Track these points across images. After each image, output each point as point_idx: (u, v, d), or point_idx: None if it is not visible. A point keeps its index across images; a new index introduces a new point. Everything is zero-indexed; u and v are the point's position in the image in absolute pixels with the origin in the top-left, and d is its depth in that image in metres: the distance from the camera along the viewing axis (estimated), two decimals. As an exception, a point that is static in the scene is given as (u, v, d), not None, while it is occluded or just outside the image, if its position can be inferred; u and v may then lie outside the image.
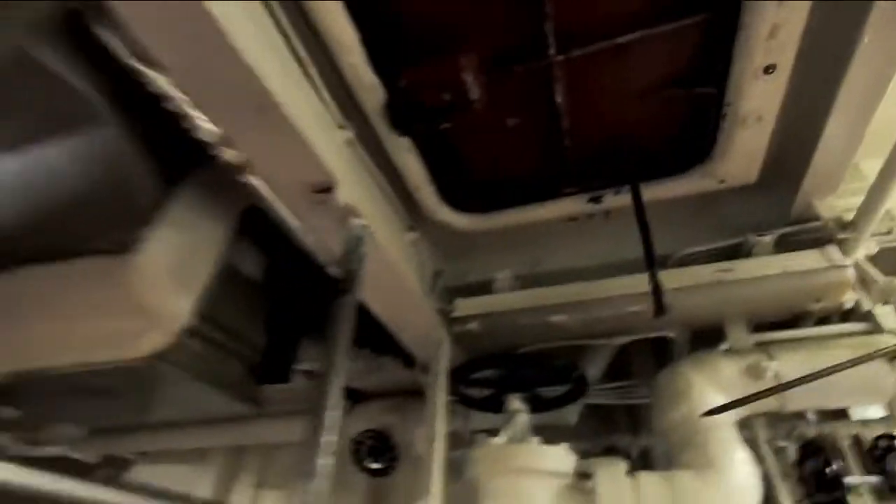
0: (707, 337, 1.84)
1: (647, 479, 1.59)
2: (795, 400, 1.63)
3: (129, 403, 1.69)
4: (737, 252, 1.73)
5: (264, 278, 1.70)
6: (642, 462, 2.25)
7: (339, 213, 1.21)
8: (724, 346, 1.72)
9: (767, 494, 1.62)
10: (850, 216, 1.63)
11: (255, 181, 1.00)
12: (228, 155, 0.91)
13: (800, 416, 1.88)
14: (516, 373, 1.82)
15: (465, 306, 1.82)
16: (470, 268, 1.96)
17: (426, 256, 1.84)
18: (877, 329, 1.64)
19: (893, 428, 1.75)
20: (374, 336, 1.78)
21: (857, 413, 1.92)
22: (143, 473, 2.88)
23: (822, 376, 1.28)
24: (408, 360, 2.02)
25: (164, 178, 1.17)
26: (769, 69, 1.30)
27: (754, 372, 1.61)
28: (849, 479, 1.69)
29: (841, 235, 1.62)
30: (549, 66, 1.34)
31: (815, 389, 1.37)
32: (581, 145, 1.60)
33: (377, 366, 2.11)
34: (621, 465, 1.57)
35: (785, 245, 1.69)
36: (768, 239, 1.69)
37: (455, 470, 1.74)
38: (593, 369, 2.04)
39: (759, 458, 1.65)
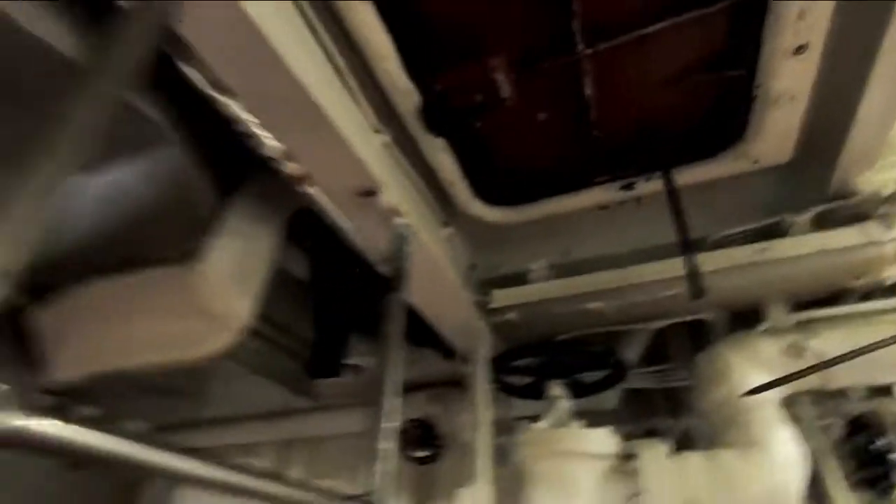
0: (745, 318, 1.85)
1: (690, 458, 1.63)
2: (839, 377, 1.64)
3: (191, 400, 1.80)
4: (773, 232, 1.73)
5: (310, 278, 1.79)
6: (683, 444, 2.27)
7: (384, 214, 1.28)
8: (763, 326, 1.73)
9: (815, 471, 1.63)
10: (888, 190, 1.61)
11: (310, 190, 1.07)
12: (290, 168, 0.98)
13: (844, 393, 1.88)
14: (555, 360, 1.87)
15: (503, 297, 1.87)
16: (502, 260, 2.01)
17: (460, 250, 1.90)
18: (920, 304, 1.62)
19: (940, 402, 1.73)
20: (412, 329, 1.86)
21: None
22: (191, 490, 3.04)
23: (864, 353, 1.29)
24: (447, 351, 2.09)
25: (221, 190, 1.25)
26: (800, 49, 1.30)
27: (795, 351, 1.62)
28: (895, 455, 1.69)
29: (880, 210, 1.61)
30: (578, 60, 1.37)
31: (858, 366, 1.38)
32: (611, 135, 1.63)
33: (417, 358, 2.18)
34: (664, 446, 1.61)
35: (822, 223, 1.69)
36: (805, 217, 1.68)
37: (498, 456, 1.80)
38: (631, 354, 2.07)
39: (806, 436, 1.66)
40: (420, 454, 2.30)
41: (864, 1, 1.21)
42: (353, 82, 1.24)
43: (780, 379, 1.45)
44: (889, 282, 1.67)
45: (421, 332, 1.88)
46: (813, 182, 1.71)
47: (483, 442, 1.74)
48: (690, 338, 2.18)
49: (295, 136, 0.92)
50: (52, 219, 1.33)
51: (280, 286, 1.55)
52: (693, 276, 1.42)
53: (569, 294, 1.80)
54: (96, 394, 1.63)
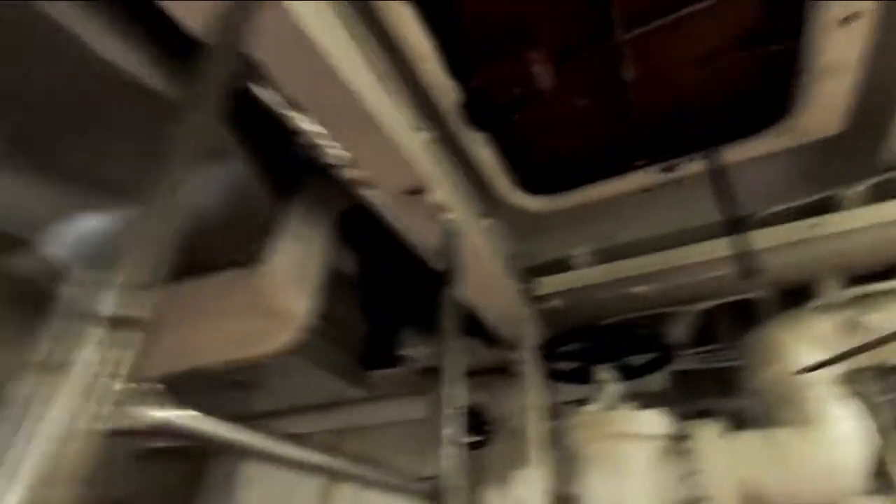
0: (794, 295, 1.82)
1: (743, 438, 1.63)
2: (898, 352, 1.60)
3: (258, 393, 1.91)
4: (825, 206, 1.69)
5: (359, 274, 1.86)
6: (733, 424, 2.26)
7: (432, 210, 1.33)
8: (815, 303, 1.70)
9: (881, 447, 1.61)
10: (945, 158, 1.56)
11: (368, 192, 1.13)
12: (352, 174, 1.04)
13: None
14: (602, 344, 1.89)
15: (548, 284, 1.90)
16: (542, 248, 2.03)
17: (501, 241, 1.93)
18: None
19: None
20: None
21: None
22: (256, 465, 3.20)
23: (926, 326, 1.27)
24: (490, 339, 2.13)
25: (278, 196, 1.32)
26: (849, 19, 1.27)
27: (849, 326, 1.60)
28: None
29: (937, 179, 1.55)
30: (616, 46, 1.38)
31: (919, 340, 1.35)
32: (651, 118, 1.62)
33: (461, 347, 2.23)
34: (717, 426, 1.62)
35: (876, 195, 1.64)
36: (858, 190, 1.64)
37: (546, 440, 1.84)
38: (677, 335, 2.07)
39: (870, 412, 1.63)
40: (469, 440, 2.36)
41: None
42: (395, 84, 1.28)
43: (836, 356, 1.43)
44: (950, 252, 1.61)
45: (464, 321, 1.93)
46: (863, 154, 1.66)
47: (534, 427, 1.78)
48: (738, 317, 2.16)
49: (353, 143, 0.98)
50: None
51: (332, 283, 1.62)
52: (744, 256, 1.41)
53: (613, 279, 1.81)
54: (179, 391, 1.75)
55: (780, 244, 1.63)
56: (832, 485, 1.53)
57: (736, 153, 1.64)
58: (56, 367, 0.40)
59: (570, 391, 2.07)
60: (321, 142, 0.93)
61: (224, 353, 1.43)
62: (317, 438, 3.07)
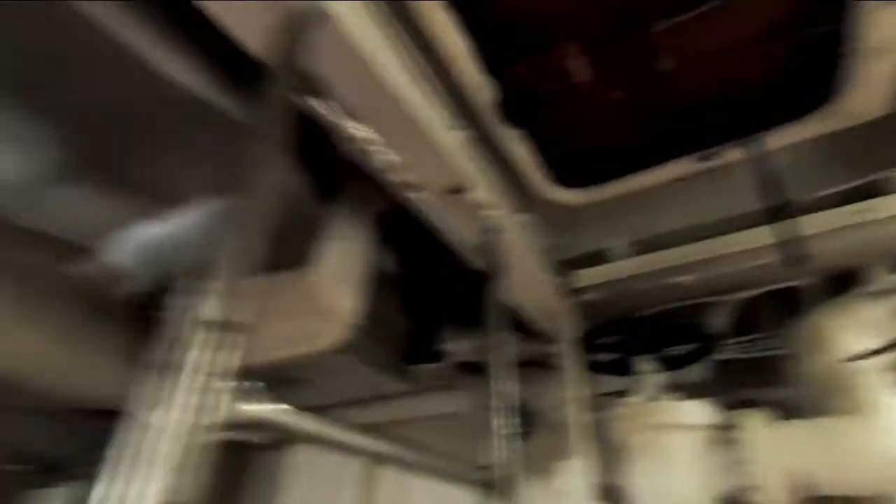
0: (840, 281, 1.78)
1: (791, 427, 1.61)
2: (955, 338, 1.55)
3: (307, 389, 1.99)
4: (871, 191, 1.65)
5: (400, 273, 1.91)
6: (778, 413, 2.22)
7: (472, 208, 1.35)
8: (864, 289, 1.66)
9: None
10: None
11: (414, 194, 1.17)
12: (401, 177, 1.07)
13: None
14: (642, 335, 1.89)
15: (586, 276, 1.90)
16: (577, 240, 2.03)
17: (536, 235, 1.95)
18: None
19: None
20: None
21: None
22: (300, 452, 3.31)
23: None
24: (527, 333, 2.15)
25: (323, 199, 1.37)
26: (896, -3, 1.23)
27: (901, 313, 1.56)
28: None
29: None
30: (651, 37, 1.37)
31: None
32: (688, 107, 1.61)
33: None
34: (763, 415, 1.61)
35: (928, 177, 1.59)
36: (906, 173, 1.60)
37: (588, 432, 1.86)
38: (719, 325, 2.05)
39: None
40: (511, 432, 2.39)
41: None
42: (431, 84, 1.31)
43: (889, 344, 1.41)
44: None
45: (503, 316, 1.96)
46: (913, 134, 1.61)
47: (575, 419, 1.80)
48: (780, 305, 2.12)
49: (400, 147, 1.01)
50: (186, 235, 1.50)
51: (374, 283, 1.67)
52: (790, 244, 1.39)
53: (652, 270, 1.80)
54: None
55: (825, 230, 1.60)
56: (885, 473, 1.50)
57: (777, 139, 1.61)
58: (172, 369, 0.45)
59: (610, 383, 2.08)
60: (373, 148, 0.97)
61: (276, 351, 1.49)
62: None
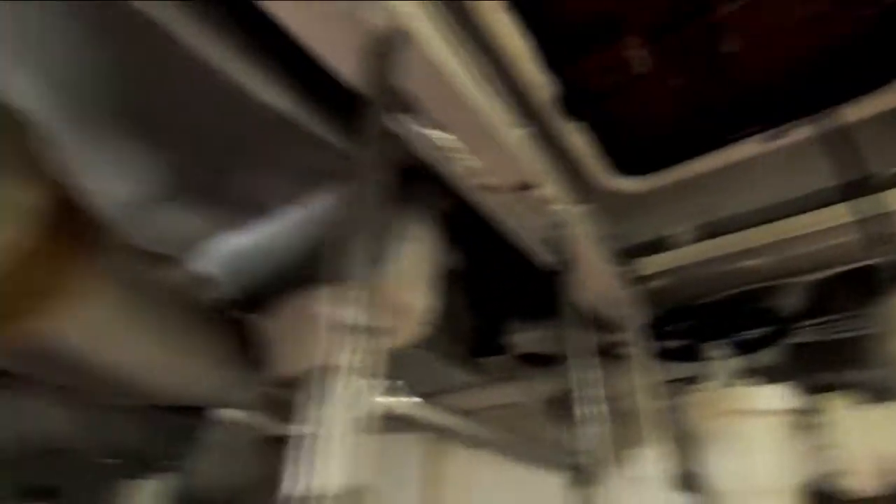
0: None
1: (878, 411, 1.56)
2: None
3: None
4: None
5: (465, 269, 1.96)
6: (861, 396, 2.14)
7: (540, 204, 1.38)
8: (955, 265, 1.58)
9: None
10: None
11: (489, 196, 1.21)
12: (481, 180, 1.12)
13: None
14: (712, 321, 1.86)
15: (652, 264, 1.89)
16: (641, 228, 2.02)
17: (600, 225, 1.95)
18: None
19: None
20: (552, 303, 1.96)
21: None
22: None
23: None
24: (591, 323, 2.16)
25: (395, 203, 1.44)
26: None
27: None
28: None
29: None
30: (716, 19, 1.35)
31: None
32: (753, 87, 1.57)
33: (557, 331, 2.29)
34: (848, 399, 1.56)
35: None
36: None
37: (659, 420, 1.86)
38: (791, 308, 1.99)
39: None
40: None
41: None
42: (496, 85, 1.34)
43: None
44: None
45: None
46: None
47: (646, 407, 1.80)
48: (857, 285, 2.04)
49: (478, 151, 1.06)
50: (268, 243, 1.61)
51: (443, 280, 1.73)
52: (871, 222, 1.35)
53: (722, 254, 1.78)
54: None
55: (910, 206, 1.53)
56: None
57: (854, 112, 1.55)
58: (331, 371, 0.51)
59: (679, 369, 2.06)
60: (457, 155, 1.02)
61: (356, 348, 1.59)
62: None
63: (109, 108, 1.06)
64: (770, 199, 1.85)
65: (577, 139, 1.65)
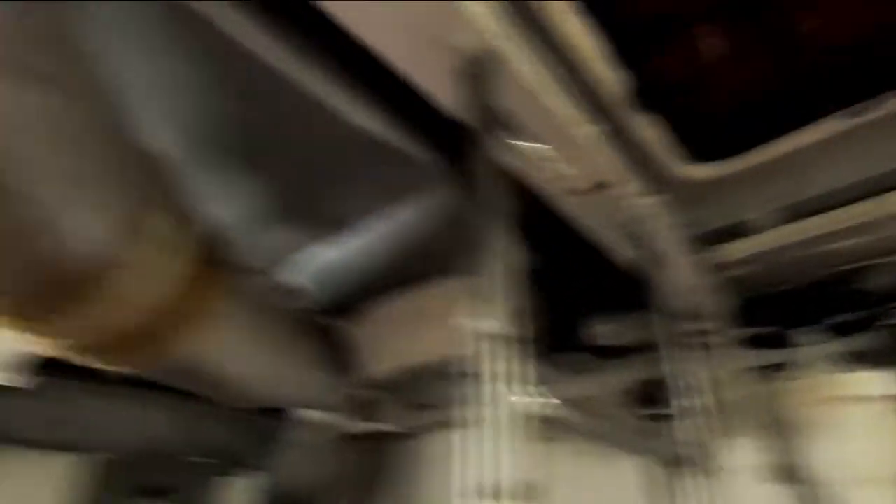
0: None
1: None
2: None
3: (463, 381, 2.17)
4: None
5: (540, 269, 2.00)
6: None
7: (618, 200, 1.41)
8: None
9: None
10: None
11: (571, 198, 1.25)
12: (575, 183, 1.17)
13: None
14: (802, 306, 1.81)
15: (733, 250, 1.86)
16: (720, 214, 1.98)
17: (677, 215, 1.93)
18: None
19: None
20: (629, 294, 1.96)
21: None
22: (436, 441, 3.52)
23: None
24: (672, 313, 2.14)
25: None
26: None
27: None
28: None
29: None
30: (790, 2, 1.32)
31: None
32: (832, 65, 1.52)
33: (633, 323, 2.28)
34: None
35: None
36: None
37: (749, 408, 1.82)
38: (884, 289, 1.90)
39: None
40: (653, 412, 2.40)
41: None
42: (569, 87, 1.37)
43: None
44: None
45: (638, 295, 1.98)
46: None
47: (734, 396, 1.78)
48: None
49: (567, 158, 1.10)
50: (354, 255, 1.70)
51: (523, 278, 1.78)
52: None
53: (808, 237, 1.72)
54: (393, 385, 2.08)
55: None
56: None
57: (948, 81, 1.47)
58: (472, 376, 0.58)
59: (770, 356, 2.01)
60: (549, 164, 1.07)
61: (443, 350, 1.66)
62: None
63: (225, 144, 1.18)
64: (855, 177, 1.77)
65: (650, 132, 1.65)
